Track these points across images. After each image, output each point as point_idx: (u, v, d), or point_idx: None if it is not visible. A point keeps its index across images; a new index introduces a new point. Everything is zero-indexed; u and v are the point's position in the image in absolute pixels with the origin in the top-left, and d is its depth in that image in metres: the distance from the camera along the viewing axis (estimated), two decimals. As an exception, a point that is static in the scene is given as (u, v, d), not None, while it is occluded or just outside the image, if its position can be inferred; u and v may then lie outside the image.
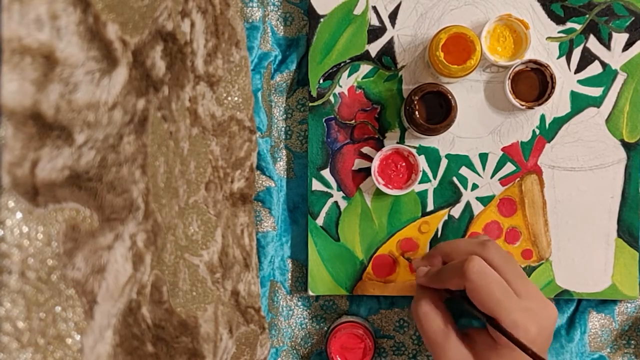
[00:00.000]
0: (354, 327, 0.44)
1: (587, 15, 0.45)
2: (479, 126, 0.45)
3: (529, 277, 0.45)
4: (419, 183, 0.45)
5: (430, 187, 0.46)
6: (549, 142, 0.45)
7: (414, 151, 0.44)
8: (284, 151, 0.48)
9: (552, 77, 0.43)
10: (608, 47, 0.45)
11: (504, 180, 0.46)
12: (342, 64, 0.46)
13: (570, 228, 0.46)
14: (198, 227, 0.34)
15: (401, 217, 0.46)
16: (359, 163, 0.46)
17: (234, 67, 0.39)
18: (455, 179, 0.46)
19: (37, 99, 0.21)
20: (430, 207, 0.46)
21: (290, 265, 0.48)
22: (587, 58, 0.45)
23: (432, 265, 0.40)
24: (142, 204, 0.28)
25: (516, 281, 0.36)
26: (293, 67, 0.47)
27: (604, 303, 0.47)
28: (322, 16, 0.45)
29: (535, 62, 0.44)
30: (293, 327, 0.48)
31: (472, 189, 0.46)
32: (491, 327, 0.35)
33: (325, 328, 0.48)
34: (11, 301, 0.21)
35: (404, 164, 0.45)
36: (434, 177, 0.46)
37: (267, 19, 0.47)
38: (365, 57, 0.46)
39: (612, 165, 0.45)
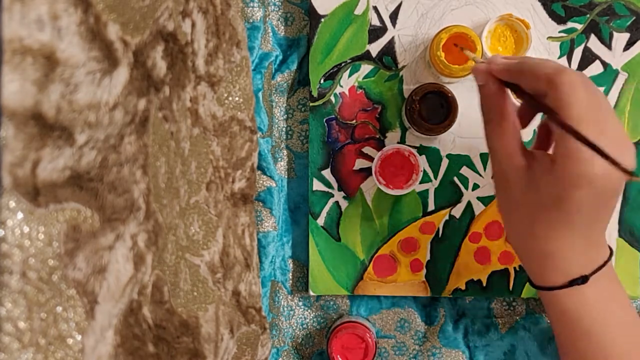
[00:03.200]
0: (355, 327, 0.44)
1: (588, 15, 0.45)
2: (480, 126, 0.45)
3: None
4: (420, 183, 0.45)
5: (431, 187, 0.46)
6: (550, 142, 0.45)
7: (414, 151, 0.44)
8: (285, 151, 0.48)
9: (553, 76, 0.43)
10: (609, 46, 0.45)
11: (504, 180, 0.46)
12: (343, 64, 0.46)
13: None
14: (199, 227, 0.34)
15: (402, 217, 0.46)
16: (359, 163, 0.46)
17: (235, 67, 0.39)
18: (456, 179, 0.46)
19: (38, 100, 0.21)
20: (431, 207, 0.46)
21: (291, 265, 0.48)
22: (588, 58, 0.45)
23: (510, 79, 0.34)
24: (143, 204, 0.28)
25: (604, 115, 0.31)
26: (294, 67, 0.47)
27: (605, 303, 0.47)
28: (323, 16, 0.45)
29: (536, 61, 0.44)
30: (294, 327, 0.48)
31: (473, 189, 0.46)
32: (559, 143, 0.31)
33: (326, 328, 0.48)
34: (12, 301, 0.21)
35: (404, 164, 0.45)
36: (435, 177, 0.46)
37: (267, 19, 0.47)
38: (366, 57, 0.46)
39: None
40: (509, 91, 0.35)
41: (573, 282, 0.33)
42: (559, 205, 0.32)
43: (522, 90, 0.33)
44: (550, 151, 0.37)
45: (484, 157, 0.46)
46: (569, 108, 0.30)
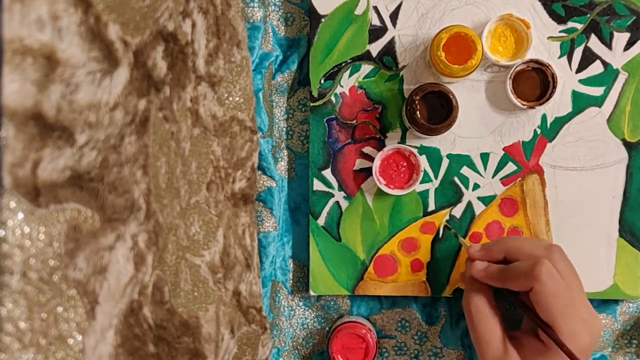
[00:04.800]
0: (355, 327, 0.44)
1: (589, 15, 0.45)
2: (480, 126, 0.45)
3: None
4: (420, 183, 0.45)
5: (432, 187, 0.46)
6: (550, 141, 0.45)
7: (415, 151, 0.44)
8: (285, 151, 0.48)
9: (553, 76, 0.43)
10: (609, 46, 0.45)
11: (505, 180, 0.46)
12: (343, 64, 0.46)
13: (572, 228, 0.46)
14: (199, 227, 0.34)
15: (402, 217, 0.46)
16: (360, 163, 0.46)
17: (235, 67, 0.39)
18: (456, 179, 0.46)
19: (38, 100, 0.21)
20: (431, 207, 0.46)
21: (291, 265, 0.48)
22: (589, 57, 0.45)
23: (492, 258, 0.40)
24: (143, 205, 0.28)
25: (577, 291, 0.37)
26: (294, 67, 0.47)
27: (605, 303, 0.47)
28: (323, 16, 0.45)
29: (536, 61, 0.44)
30: (294, 327, 0.48)
31: (474, 189, 0.46)
32: (543, 334, 0.36)
33: (327, 328, 0.48)
34: (13, 302, 0.21)
35: (405, 164, 0.45)
36: (435, 177, 0.46)
37: (268, 19, 0.47)
38: (366, 57, 0.46)
39: (613, 165, 0.45)
40: (512, 97, 0.35)
41: None
42: None
43: (510, 291, 0.39)
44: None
45: (484, 157, 0.46)
46: (556, 299, 0.35)
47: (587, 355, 0.36)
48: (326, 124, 0.46)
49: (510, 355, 0.37)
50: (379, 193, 0.46)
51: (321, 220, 0.46)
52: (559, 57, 0.45)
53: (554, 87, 0.43)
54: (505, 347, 0.37)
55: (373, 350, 0.45)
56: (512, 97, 0.44)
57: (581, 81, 0.45)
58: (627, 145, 0.45)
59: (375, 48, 0.46)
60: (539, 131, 0.45)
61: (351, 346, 0.45)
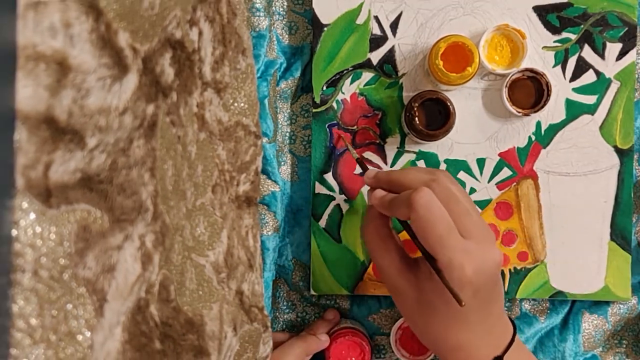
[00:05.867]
0: (354, 335, 0.45)
1: (582, 26, 0.46)
2: (476, 132, 0.46)
3: (524, 278, 0.46)
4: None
5: (430, 191, 0.46)
6: (544, 147, 0.46)
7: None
8: (288, 155, 0.48)
9: (547, 85, 0.44)
10: (602, 56, 0.46)
11: (500, 185, 0.46)
12: (344, 72, 0.46)
13: (565, 231, 0.46)
14: (205, 228, 0.34)
15: (401, 220, 0.46)
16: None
17: (241, 74, 0.39)
18: (454, 184, 0.46)
19: (50, 104, 0.21)
20: (429, 211, 0.46)
21: (293, 265, 0.48)
22: (582, 67, 0.46)
23: (379, 187, 0.38)
24: (150, 206, 0.28)
25: (462, 219, 0.34)
26: (297, 74, 0.48)
27: (597, 304, 0.47)
28: (326, 25, 0.46)
29: (531, 70, 0.44)
30: (295, 325, 0.49)
31: (470, 193, 0.46)
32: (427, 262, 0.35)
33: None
34: (24, 299, 0.20)
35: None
36: (433, 182, 0.46)
37: (273, 27, 0.47)
38: (367, 65, 0.46)
39: (605, 171, 0.46)
40: (508, 104, 0.35)
41: None
42: (448, 305, 0.34)
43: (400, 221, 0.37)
44: None
45: (480, 162, 0.46)
46: (432, 228, 0.33)
47: (473, 289, 0.33)
48: (328, 129, 0.47)
49: (401, 278, 0.36)
50: (378, 197, 0.46)
51: (322, 222, 0.47)
52: (554, 67, 0.46)
53: (548, 95, 0.44)
54: (400, 273, 0.36)
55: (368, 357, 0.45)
56: (508, 104, 0.45)
57: (575, 90, 0.46)
58: (619, 151, 0.45)
59: (375, 56, 0.46)
60: (533, 137, 0.46)
61: (349, 354, 0.45)
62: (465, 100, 0.46)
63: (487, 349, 0.36)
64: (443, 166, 0.46)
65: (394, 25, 0.46)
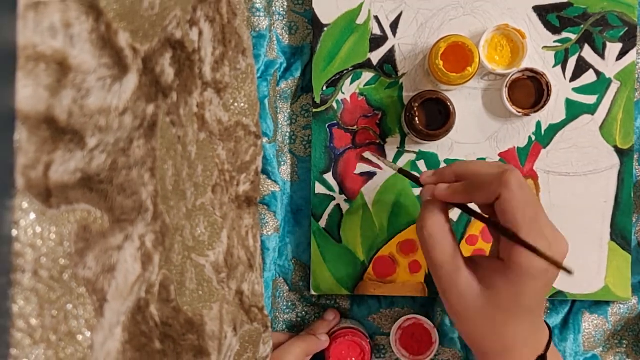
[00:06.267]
0: (354, 335, 0.45)
1: (582, 26, 0.46)
2: (476, 132, 0.46)
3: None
4: (419, 187, 0.46)
5: (430, 191, 0.46)
6: (544, 148, 0.46)
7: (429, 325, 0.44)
8: (288, 155, 0.48)
9: (547, 85, 0.44)
10: (602, 56, 0.46)
11: (501, 185, 0.46)
12: (344, 72, 0.46)
13: (565, 231, 0.45)
14: (205, 228, 0.34)
15: (401, 219, 0.46)
16: (360, 167, 0.47)
17: (241, 74, 0.39)
18: (454, 184, 0.46)
19: (50, 104, 0.21)
20: (429, 211, 0.46)
21: (293, 265, 0.48)
22: (582, 67, 0.46)
23: (444, 182, 0.37)
24: (151, 206, 0.28)
25: (542, 211, 0.34)
26: (297, 74, 0.48)
27: (597, 304, 0.47)
28: (326, 25, 0.46)
29: (531, 70, 0.44)
30: (295, 325, 0.49)
31: (471, 194, 0.46)
32: (504, 252, 0.33)
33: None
34: (24, 299, 0.20)
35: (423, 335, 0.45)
36: (434, 182, 0.46)
37: (273, 28, 0.47)
38: (367, 65, 0.46)
39: (605, 171, 0.46)
40: (508, 104, 0.35)
41: None
42: (517, 300, 0.34)
43: (468, 208, 0.36)
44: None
45: (481, 163, 0.46)
46: (525, 206, 0.32)
47: (548, 279, 0.33)
48: (328, 129, 0.47)
49: (462, 275, 0.34)
50: (379, 196, 0.46)
51: (322, 222, 0.47)
52: (554, 66, 0.46)
53: (549, 95, 0.44)
54: (458, 266, 0.34)
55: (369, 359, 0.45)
56: (508, 104, 0.45)
57: (575, 90, 0.46)
58: (619, 151, 0.46)
59: (375, 56, 0.46)
60: (533, 137, 0.46)
61: (349, 354, 0.45)
62: (466, 100, 0.46)
63: (533, 347, 0.36)
64: (443, 166, 0.46)
65: (394, 25, 0.46)
